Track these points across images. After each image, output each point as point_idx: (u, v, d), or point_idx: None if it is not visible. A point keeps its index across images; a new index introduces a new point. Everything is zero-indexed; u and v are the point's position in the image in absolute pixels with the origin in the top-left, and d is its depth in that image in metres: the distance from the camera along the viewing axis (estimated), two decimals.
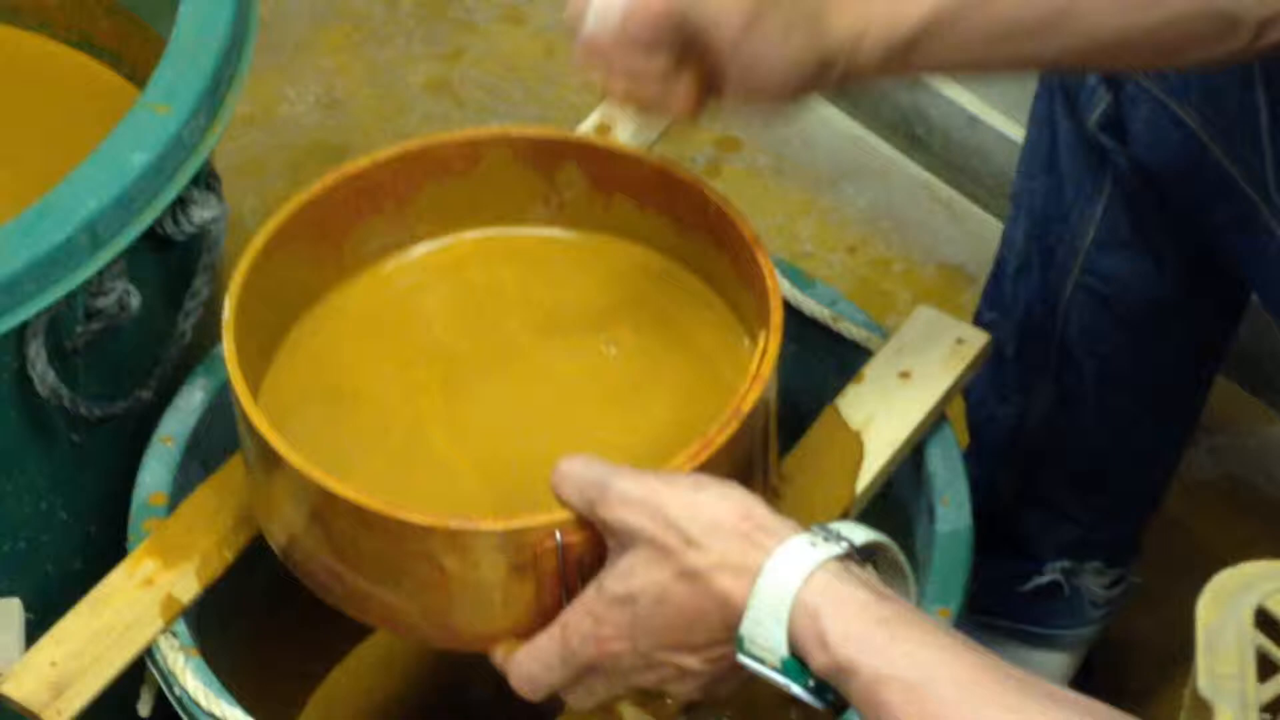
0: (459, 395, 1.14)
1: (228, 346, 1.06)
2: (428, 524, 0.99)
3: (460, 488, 1.09)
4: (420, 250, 1.19)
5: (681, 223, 1.15)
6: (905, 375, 1.19)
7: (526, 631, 1.01)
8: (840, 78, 1.03)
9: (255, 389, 1.11)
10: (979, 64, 1.05)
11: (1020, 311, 1.37)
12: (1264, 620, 1.04)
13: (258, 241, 1.11)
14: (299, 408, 1.12)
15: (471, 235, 1.20)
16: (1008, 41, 1.03)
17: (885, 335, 1.23)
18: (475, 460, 1.10)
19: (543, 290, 1.18)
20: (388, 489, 1.06)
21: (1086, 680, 1.52)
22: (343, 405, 1.13)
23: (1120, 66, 1.19)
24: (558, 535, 0.98)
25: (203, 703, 1.08)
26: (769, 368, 1.04)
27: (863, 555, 0.94)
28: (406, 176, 1.16)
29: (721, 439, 1.01)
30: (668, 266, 1.17)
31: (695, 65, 1.03)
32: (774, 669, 0.92)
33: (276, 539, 1.09)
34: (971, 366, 1.20)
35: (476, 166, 1.17)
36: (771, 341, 1.05)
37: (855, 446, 1.16)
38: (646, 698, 1.05)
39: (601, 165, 1.16)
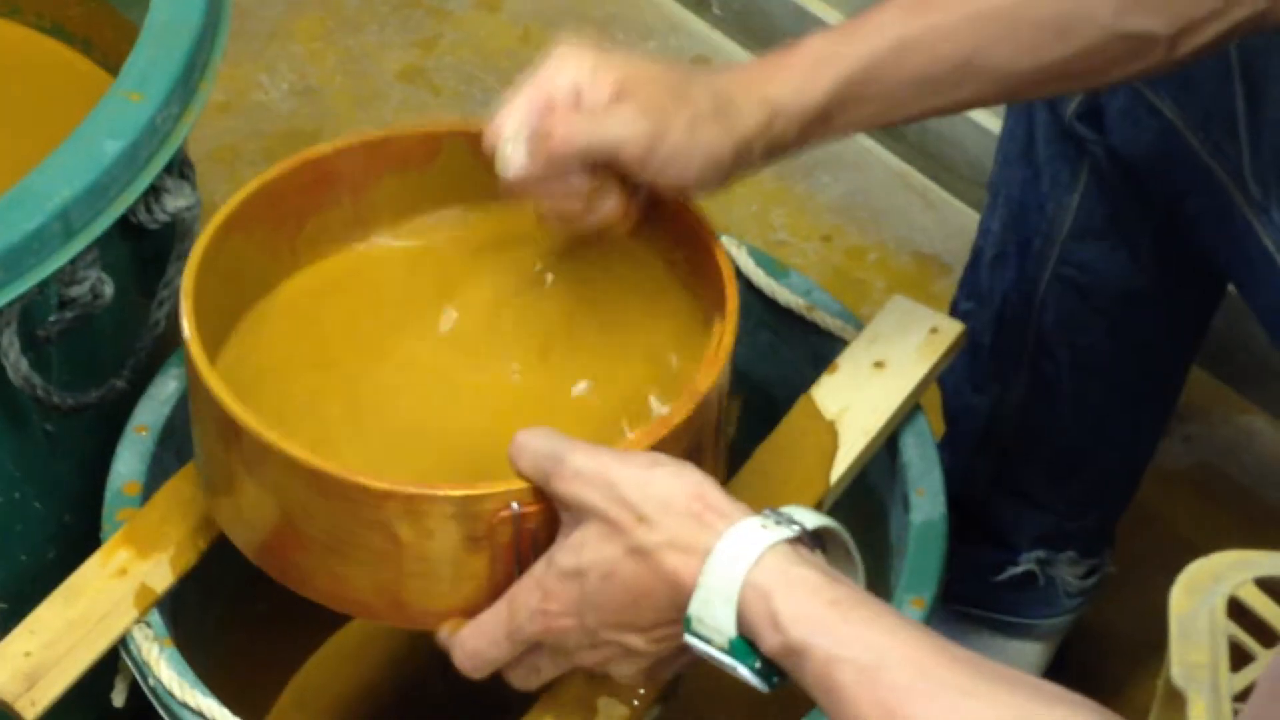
0: (416, 380, 1.13)
1: (187, 320, 1.05)
2: (384, 489, 0.99)
3: (416, 465, 1.09)
4: (377, 242, 1.19)
5: (643, 216, 1.15)
6: (880, 365, 1.19)
7: (476, 610, 1.01)
8: (764, 155, 1.05)
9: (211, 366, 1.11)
10: (899, 118, 1.08)
11: (997, 301, 1.37)
12: (1236, 609, 1.04)
13: (214, 222, 1.10)
14: (253, 389, 1.11)
15: (429, 228, 1.20)
16: (920, 97, 1.06)
17: (860, 324, 1.23)
18: (431, 439, 1.10)
19: (500, 278, 1.18)
20: (344, 464, 1.06)
21: (1060, 669, 1.52)
22: (298, 386, 1.13)
23: (1043, 96, 1.21)
24: (514, 506, 0.99)
25: (177, 693, 1.08)
26: (725, 353, 1.05)
27: (813, 540, 0.94)
28: (365, 167, 1.16)
29: (677, 419, 1.02)
30: (626, 256, 1.17)
31: (616, 177, 1.05)
32: (721, 650, 0.92)
33: (234, 527, 1.09)
34: (946, 356, 1.21)
35: (435, 160, 1.17)
36: (727, 328, 1.06)
37: (830, 436, 1.16)
38: (607, 685, 1.05)
39: None
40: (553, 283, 1.17)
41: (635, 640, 0.96)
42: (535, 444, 0.99)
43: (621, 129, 1.02)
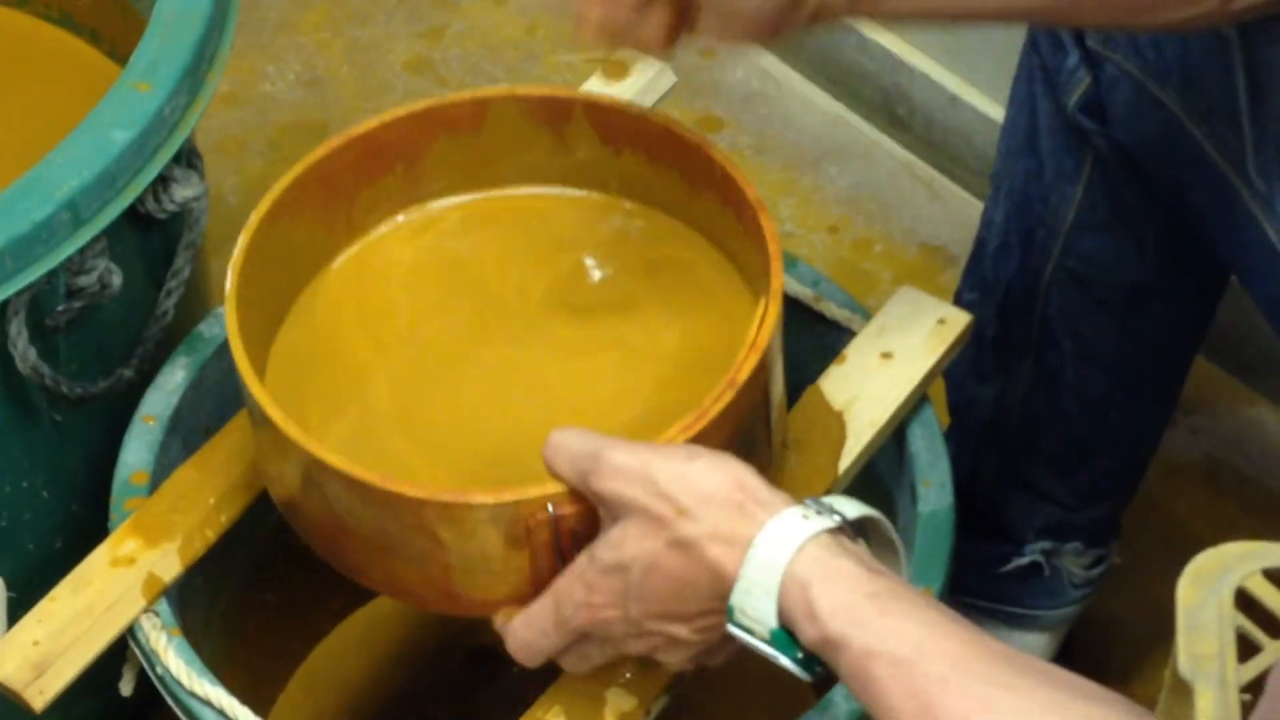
0: (463, 360, 1.14)
1: (229, 312, 1.05)
2: (420, 497, 0.99)
3: (460, 456, 1.09)
4: (431, 211, 1.19)
5: (690, 181, 1.15)
6: (887, 356, 1.19)
7: (526, 598, 1.02)
8: (813, 13, 1.02)
9: (264, 353, 1.11)
10: (955, 10, 1.04)
11: (1000, 292, 1.37)
12: (1244, 601, 1.04)
13: (262, 206, 1.10)
14: (306, 372, 1.12)
15: (481, 195, 1.20)
16: None
17: (867, 315, 1.23)
18: (478, 430, 1.11)
19: (551, 252, 1.18)
20: (390, 457, 1.07)
21: (1067, 660, 1.52)
22: (350, 370, 1.13)
23: (1096, 21, 1.18)
24: (550, 508, 0.99)
25: (185, 682, 1.08)
26: (766, 336, 1.04)
27: (854, 529, 0.94)
28: (414, 137, 1.16)
29: (716, 409, 1.01)
30: (676, 227, 1.17)
31: None
32: (763, 640, 0.92)
33: (283, 505, 1.10)
34: (953, 347, 1.21)
35: (484, 125, 1.17)
36: (771, 308, 1.05)
37: (837, 427, 1.16)
38: (638, 673, 1.05)
39: (609, 120, 1.16)
40: (605, 259, 1.17)
41: (679, 630, 0.96)
42: (571, 444, 0.98)
43: None
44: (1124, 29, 1.19)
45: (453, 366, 1.13)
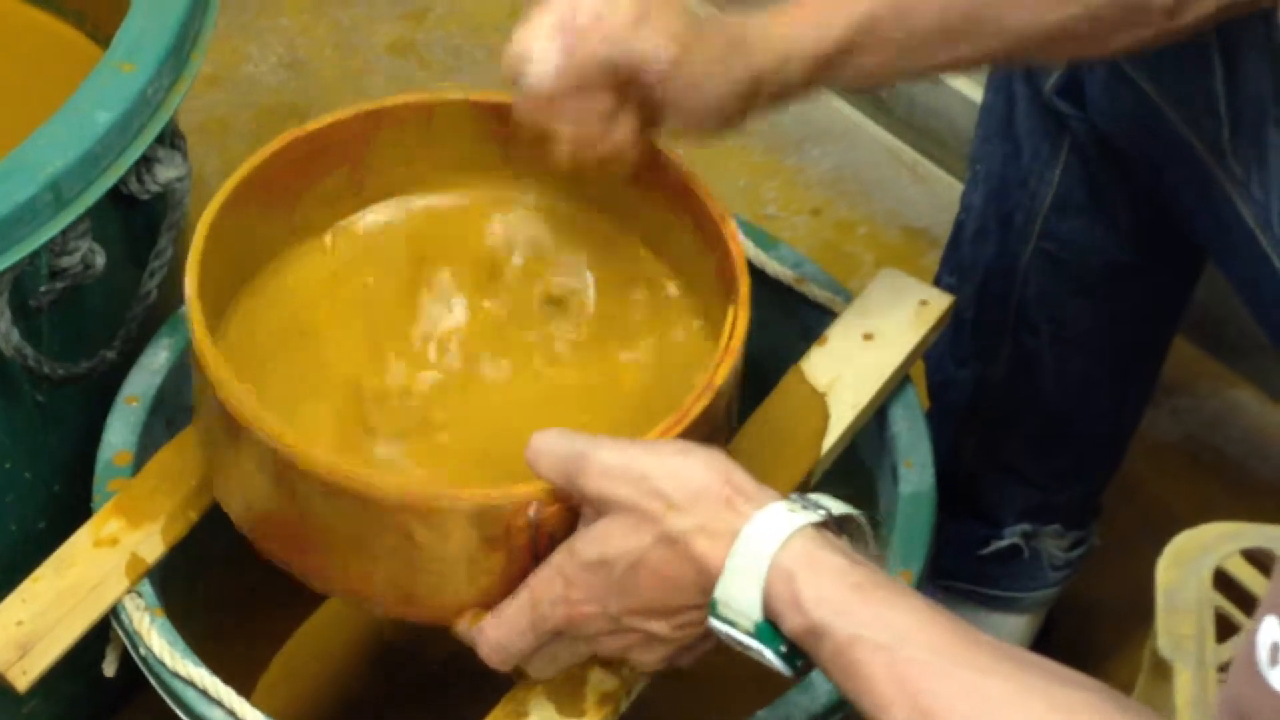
0: (417, 366, 1.13)
1: (192, 311, 1.05)
2: (401, 494, 0.98)
3: (424, 454, 1.08)
4: (376, 211, 1.18)
5: (643, 191, 1.15)
6: (869, 337, 1.19)
7: (490, 602, 1.01)
8: (771, 98, 1.07)
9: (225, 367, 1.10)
10: (905, 72, 1.08)
11: (979, 276, 1.37)
12: (1223, 581, 1.05)
13: (212, 206, 1.09)
14: (257, 371, 1.10)
15: (428, 196, 1.19)
16: (928, 49, 1.06)
17: (849, 297, 1.23)
18: (436, 431, 1.10)
19: (498, 254, 1.18)
20: (350, 454, 1.06)
21: (1046, 641, 1.53)
22: (302, 367, 1.12)
23: (1045, 59, 1.22)
24: (533, 508, 0.98)
25: (168, 662, 1.08)
26: (739, 341, 1.05)
27: (838, 526, 0.94)
28: (362, 137, 1.15)
29: (696, 410, 1.01)
30: (627, 239, 1.17)
31: (633, 101, 1.06)
32: (746, 633, 0.92)
33: (235, 508, 1.09)
34: (935, 328, 1.21)
35: (431, 127, 1.16)
36: (740, 315, 1.05)
37: (819, 408, 1.16)
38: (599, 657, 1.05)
39: None
40: (554, 264, 1.17)
41: (659, 626, 0.96)
42: (555, 446, 0.98)
43: (647, 44, 1.03)
44: (1078, 61, 1.21)
45: (408, 369, 1.12)
